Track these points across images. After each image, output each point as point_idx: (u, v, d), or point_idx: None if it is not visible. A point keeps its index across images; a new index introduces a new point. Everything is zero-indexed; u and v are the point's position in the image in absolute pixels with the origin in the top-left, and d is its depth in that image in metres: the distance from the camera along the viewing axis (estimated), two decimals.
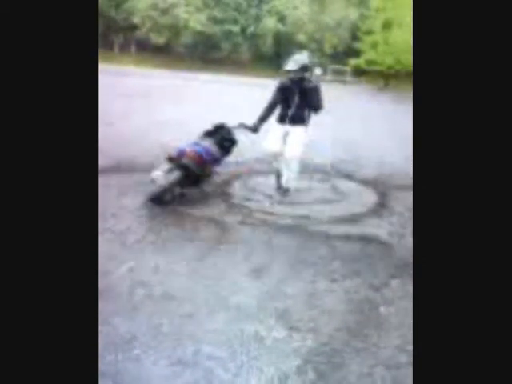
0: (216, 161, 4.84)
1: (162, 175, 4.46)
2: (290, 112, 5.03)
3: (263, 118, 5.14)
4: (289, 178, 5.20)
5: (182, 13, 36.53)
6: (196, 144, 4.72)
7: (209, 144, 4.75)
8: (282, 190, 5.25)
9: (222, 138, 4.91)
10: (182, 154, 4.56)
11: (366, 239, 3.97)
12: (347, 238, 3.98)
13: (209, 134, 4.96)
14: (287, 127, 5.08)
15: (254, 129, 5.07)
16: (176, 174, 4.48)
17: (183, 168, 4.51)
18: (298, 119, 5.05)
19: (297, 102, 4.98)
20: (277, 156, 5.20)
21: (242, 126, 5.06)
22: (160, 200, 4.40)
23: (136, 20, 37.31)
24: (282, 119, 5.12)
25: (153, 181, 4.46)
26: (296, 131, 5.07)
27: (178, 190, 4.59)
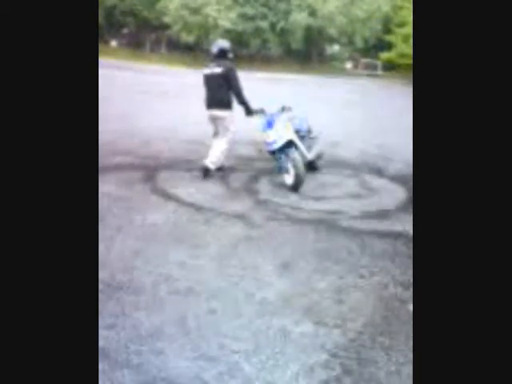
0: None
1: None
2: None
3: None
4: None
5: (211, 11, 36.70)
6: None
7: None
8: None
9: None
10: None
11: (394, 235, 3.89)
12: (376, 233, 3.92)
13: None
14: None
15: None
16: None
17: None
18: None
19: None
20: None
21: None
22: None
23: (167, 20, 37.76)
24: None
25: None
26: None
27: None
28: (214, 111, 5.44)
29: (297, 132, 5.48)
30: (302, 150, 5.29)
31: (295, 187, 5.01)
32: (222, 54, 5.46)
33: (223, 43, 5.64)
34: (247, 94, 5.44)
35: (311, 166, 5.72)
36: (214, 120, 5.53)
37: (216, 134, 5.59)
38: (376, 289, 2.95)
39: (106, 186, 4.68)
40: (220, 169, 5.56)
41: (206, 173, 5.36)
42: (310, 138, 5.81)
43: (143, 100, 12.35)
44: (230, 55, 5.56)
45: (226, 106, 5.39)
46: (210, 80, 5.45)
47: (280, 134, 5.16)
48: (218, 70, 5.36)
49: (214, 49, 5.49)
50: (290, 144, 5.15)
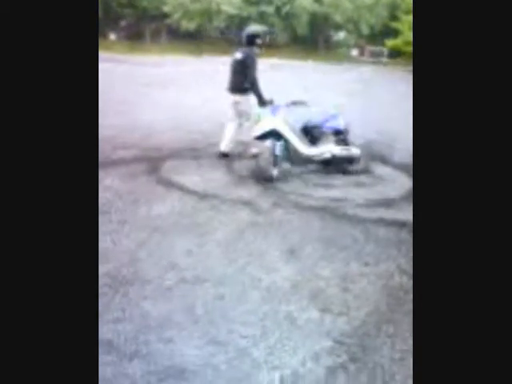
0: None
1: None
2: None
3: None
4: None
5: None
6: None
7: None
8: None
9: None
10: None
11: (399, 224, 3.91)
12: (381, 222, 3.95)
13: None
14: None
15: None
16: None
17: None
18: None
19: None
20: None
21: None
22: None
23: (167, 8, 37.24)
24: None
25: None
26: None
27: None
28: (233, 96, 5.62)
29: (313, 127, 5.38)
30: (292, 142, 5.10)
31: (258, 178, 4.92)
32: (250, 40, 5.53)
33: (252, 29, 5.76)
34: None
35: (341, 168, 5.47)
36: (232, 104, 5.67)
37: (232, 118, 5.69)
38: (381, 277, 2.99)
39: (110, 179, 4.70)
40: (226, 155, 5.60)
41: (223, 157, 5.59)
42: (340, 137, 5.51)
43: (144, 92, 12.28)
44: (259, 41, 5.56)
45: (242, 91, 5.50)
46: (232, 65, 5.62)
47: (264, 124, 5.09)
48: (239, 55, 5.49)
49: (244, 34, 5.59)
50: (273, 134, 5.00)
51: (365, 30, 37.63)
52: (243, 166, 5.41)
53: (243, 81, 5.46)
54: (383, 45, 34.23)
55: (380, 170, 5.81)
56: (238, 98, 5.56)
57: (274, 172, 4.91)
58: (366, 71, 25.17)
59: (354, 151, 5.43)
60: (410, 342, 2.34)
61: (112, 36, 40.69)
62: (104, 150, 5.90)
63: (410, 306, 2.66)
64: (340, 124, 5.50)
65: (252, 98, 5.55)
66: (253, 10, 38.37)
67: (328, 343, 2.30)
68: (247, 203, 4.19)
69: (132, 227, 3.56)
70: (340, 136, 5.45)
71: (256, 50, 5.53)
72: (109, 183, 4.54)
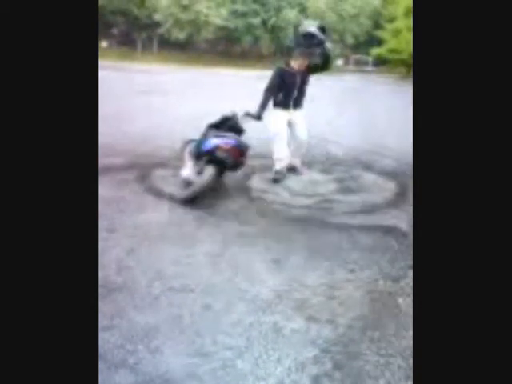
0: (247, 149, 4.82)
1: (192, 173, 4.48)
2: (293, 96, 5.24)
3: (264, 105, 5.17)
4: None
5: (203, 8, 36.64)
6: (223, 136, 4.65)
7: (231, 135, 4.73)
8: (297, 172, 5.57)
9: (230, 127, 4.90)
10: (214, 148, 4.50)
11: (384, 230, 3.95)
12: (366, 228, 3.97)
13: (215, 125, 4.96)
14: (291, 112, 5.28)
15: (258, 117, 5.09)
16: (211, 170, 4.43)
17: (219, 162, 4.50)
18: (300, 104, 5.34)
19: (298, 86, 5.20)
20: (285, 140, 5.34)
21: (248, 114, 5.06)
22: (193, 201, 4.34)
23: (158, 17, 37.62)
24: (285, 104, 5.26)
25: (184, 180, 4.48)
26: (300, 115, 5.33)
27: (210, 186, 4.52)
28: (287, 112, 5.39)
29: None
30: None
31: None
32: (309, 43, 4.98)
33: (311, 27, 4.99)
34: (237, 91, 5.48)
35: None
36: (286, 122, 5.42)
37: (284, 136, 5.43)
38: (366, 283, 3.00)
39: (100, 188, 4.70)
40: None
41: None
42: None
43: (134, 101, 12.32)
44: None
45: (300, 107, 5.46)
46: (283, 77, 5.24)
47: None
48: (298, 65, 5.19)
49: (300, 34, 5.02)
50: None
51: (349, 40, 38.19)
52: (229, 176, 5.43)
53: (302, 95, 5.32)
54: (368, 54, 34.69)
55: (365, 176, 5.86)
56: (295, 114, 5.35)
57: None
58: (352, 80, 25.42)
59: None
60: (396, 346, 2.35)
61: (104, 43, 40.95)
62: None
63: (396, 311, 2.68)
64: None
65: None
66: (240, 22, 38.79)
67: (313, 352, 2.30)
68: (234, 213, 4.20)
69: (121, 235, 3.55)
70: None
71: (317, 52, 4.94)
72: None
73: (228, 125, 4.94)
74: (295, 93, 5.22)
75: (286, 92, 5.22)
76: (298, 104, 5.33)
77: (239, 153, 4.64)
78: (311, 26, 5.01)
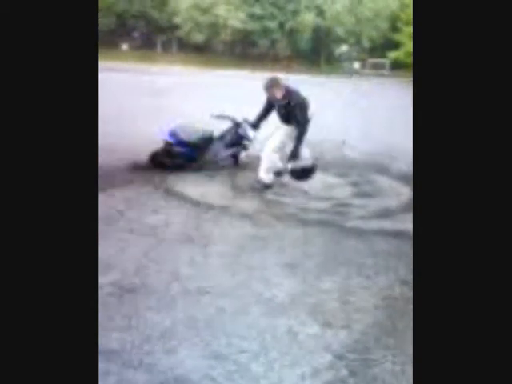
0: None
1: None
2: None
3: (261, 118, 5.42)
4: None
5: (221, 11, 36.88)
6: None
7: None
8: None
9: (239, 136, 5.68)
10: None
11: (400, 235, 3.91)
12: (381, 233, 3.95)
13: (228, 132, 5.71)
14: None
15: (255, 126, 5.44)
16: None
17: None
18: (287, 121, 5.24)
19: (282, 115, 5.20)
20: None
21: (247, 122, 5.53)
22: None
23: (178, 20, 38.03)
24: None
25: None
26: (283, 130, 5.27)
27: None
28: None
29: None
30: None
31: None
32: None
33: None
34: (253, 94, 5.52)
35: None
36: None
37: None
38: (382, 289, 2.98)
39: (117, 189, 4.77)
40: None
41: None
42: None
43: (149, 101, 12.42)
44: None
45: None
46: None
47: None
48: None
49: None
50: None
51: (366, 43, 37.97)
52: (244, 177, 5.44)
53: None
54: (385, 57, 34.46)
55: (381, 180, 5.82)
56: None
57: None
58: (368, 84, 25.29)
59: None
60: (410, 353, 2.33)
61: (124, 46, 41.71)
62: (110, 157, 5.98)
63: (410, 317, 2.65)
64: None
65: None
66: (257, 26, 38.88)
67: (328, 357, 2.29)
68: (249, 216, 4.21)
69: (138, 236, 3.59)
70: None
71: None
72: (116, 192, 4.65)
73: (237, 133, 5.66)
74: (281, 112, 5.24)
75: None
76: (285, 121, 5.26)
77: None
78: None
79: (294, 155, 4.96)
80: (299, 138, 4.95)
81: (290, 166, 5.06)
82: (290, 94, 4.98)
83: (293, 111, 4.94)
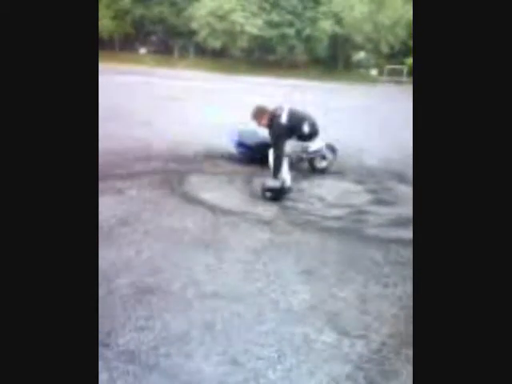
0: None
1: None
2: None
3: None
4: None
5: (238, 18, 37.14)
6: None
7: None
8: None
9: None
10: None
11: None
12: (399, 241, 3.89)
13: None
14: None
15: None
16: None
17: None
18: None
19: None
20: None
21: None
22: None
23: (195, 26, 38.45)
24: None
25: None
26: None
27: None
28: None
29: None
30: None
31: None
32: None
33: None
34: (272, 99, 5.49)
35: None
36: None
37: None
38: (400, 298, 2.93)
39: (134, 191, 4.81)
40: None
41: None
42: None
43: (167, 106, 12.53)
44: None
45: None
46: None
47: None
48: None
49: None
50: None
51: (384, 50, 37.80)
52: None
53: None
54: (403, 63, 34.24)
55: (399, 187, 5.76)
56: None
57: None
58: (386, 90, 25.13)
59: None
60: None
61: (142, 50, 42.50)
62: (128, 160, 6.05)
63: None
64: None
65: None
66: (274, 33, 39.05)
67: (346, 367, 2.25)
68: (265, 222, 4.19)
69: (155, 238, 3.59)
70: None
71: None
72: (134, 194, 4.72)
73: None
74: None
75: None
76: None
77: None
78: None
79: (274, 174, 5.09)
80: (274, 160, 5.13)
81: (266, 184, 5.03)
82: (272, 120, 5.25)
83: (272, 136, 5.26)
